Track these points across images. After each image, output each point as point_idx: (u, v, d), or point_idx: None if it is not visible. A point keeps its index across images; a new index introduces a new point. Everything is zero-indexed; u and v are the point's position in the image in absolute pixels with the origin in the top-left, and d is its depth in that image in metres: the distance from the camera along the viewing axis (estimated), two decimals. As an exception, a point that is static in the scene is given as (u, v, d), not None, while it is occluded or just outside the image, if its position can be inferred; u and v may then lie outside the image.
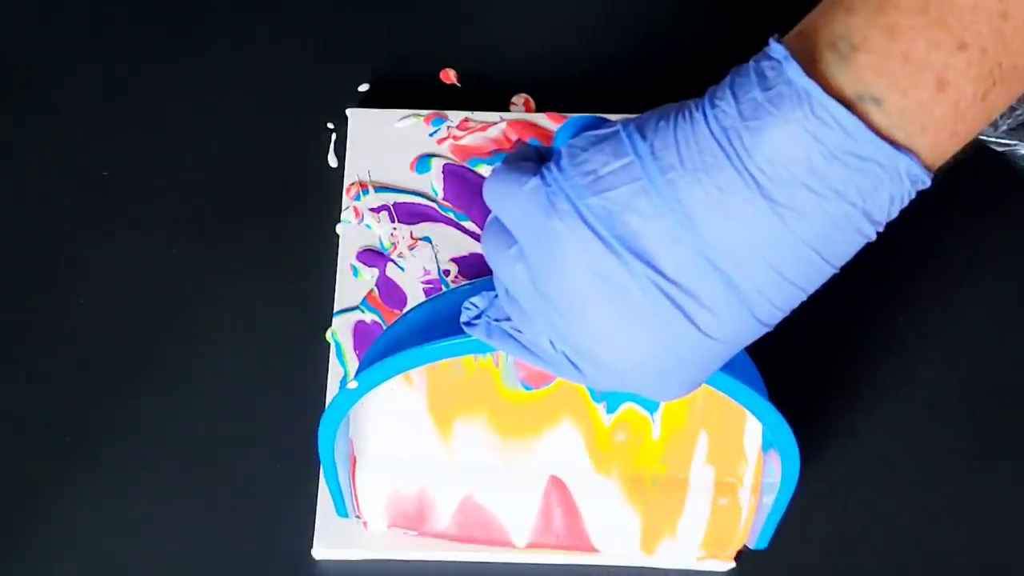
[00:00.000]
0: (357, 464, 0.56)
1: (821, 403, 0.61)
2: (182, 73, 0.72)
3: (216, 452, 0.61)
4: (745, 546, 0.56)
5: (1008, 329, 0.62)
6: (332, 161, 0.68)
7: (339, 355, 0.62)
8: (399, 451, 0.57)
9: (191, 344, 0.64)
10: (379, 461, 0.57)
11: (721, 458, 0.55)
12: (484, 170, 0.67)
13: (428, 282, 0.64)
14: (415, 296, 0.64)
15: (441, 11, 0.74)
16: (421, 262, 0.64)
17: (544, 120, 0.68)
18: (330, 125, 0.69)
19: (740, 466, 0.55)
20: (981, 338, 0.62)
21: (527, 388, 0.54)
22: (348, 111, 0.68)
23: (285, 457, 0.60)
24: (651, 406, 0.55)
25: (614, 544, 0.57)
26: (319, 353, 0.63)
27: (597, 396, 0.55)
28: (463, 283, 0.58)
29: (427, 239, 0.65)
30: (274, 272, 0.66)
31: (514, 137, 0.67)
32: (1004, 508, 0.58)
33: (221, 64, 0.72)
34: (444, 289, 0.63)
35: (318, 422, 0.61)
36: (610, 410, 0.55)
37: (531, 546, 0.57)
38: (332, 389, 0.61)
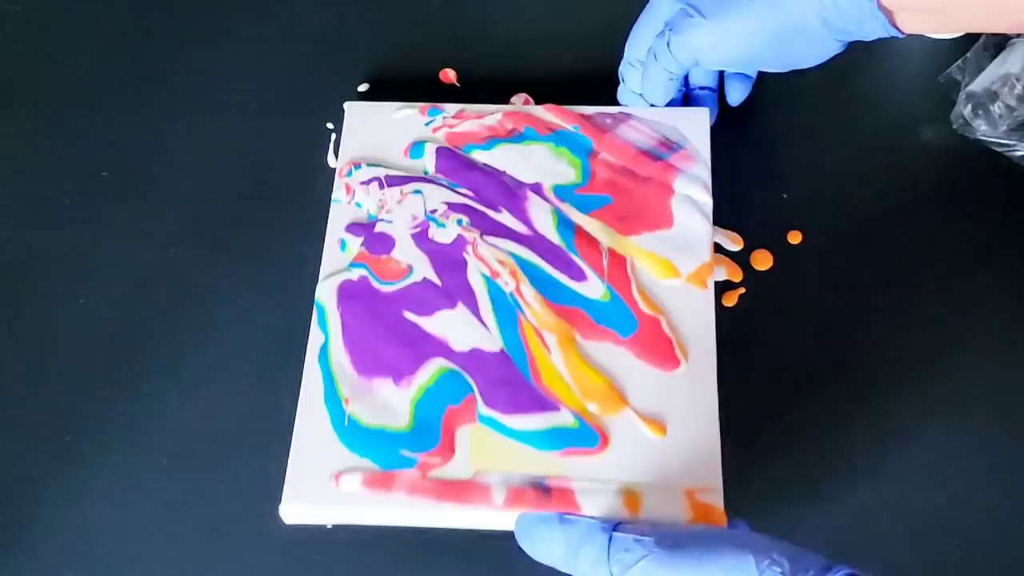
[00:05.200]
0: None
1: (817, 397, 0.61)
2: (182, 74, 0.72)
3: (215, 451, 0.61)
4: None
5: (1011, 327, 0.62)
6: (332, 161, 0.68)
7: (321, 320, 0.60)
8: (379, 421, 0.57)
9: (191, 344, 0.64)
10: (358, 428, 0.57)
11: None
12: (478, 155, 0.65)
13: (417, 226, 0.62)
14: (403, 242, 0.62)
15: (441, 11, 0.74)
16: (410, 211, 0.63)
17: (541, 111, 0.67)
18: (330, 125, 0.69)
19: None
20: (984, 337, 0.62)
21: None
22: (345, 104, 0.68)
23: (283, 453, 0.61)
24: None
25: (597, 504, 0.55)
26: (319, 353, 0.63)
27: None
28: None
29: (417, 191, 0.64)
30: (274, 272, 0.66)
31: (509, 126, 0.66)
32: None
33: (221, 64, 0.72)
34: (434, 227, 0.62)
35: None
36: None
37: (509, 504, 0.55)
38: (312, 355, 0.59)
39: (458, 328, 0.59)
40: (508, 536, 0.53)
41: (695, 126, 0.66)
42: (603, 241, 0.62)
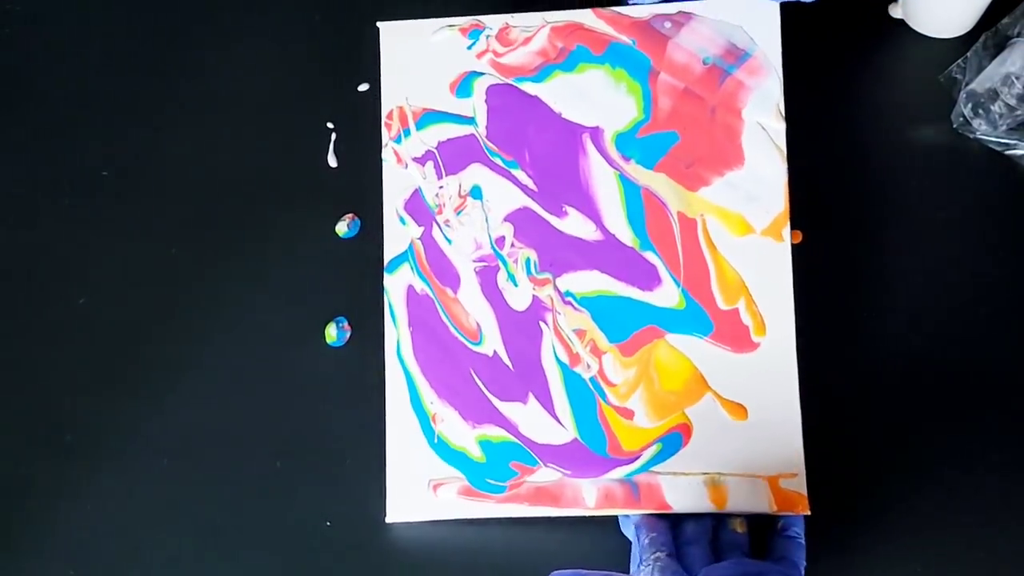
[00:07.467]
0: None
1: (816, 394, 0.61)
2: (182, 73, 0.72)
3: (216, 451, 0.61)
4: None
5: (1011, 328, 0.62)
6: (332, 161, 0.68)
7: (392, 316, 0.60)
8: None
9: (191, 343, 0.64)
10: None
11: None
12: (528, 87, 0.61)
13: (481, 259, 0.60)
14: (468, 280, 0.60)
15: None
16: (471, 232, 0.60)
17: (592, 18, 0.61)
18: (330, 125, 0.69)
19: None
20: (984, 337, 0.62)
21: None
22: (380, 24, 0.64)
23: (283, 454, 0.61)
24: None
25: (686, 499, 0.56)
26: (318, 350, 0.63)
27: None
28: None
29: (476, 192, 0.60)
30: (273, 271, 0.66)
31: (560, 44, 0.61)
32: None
33: (221, 64, 0.72)
34: (499, 265, 0.59)
35: (312, 422, 0.61)
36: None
37: (601, 506, 0.56)
38: (390, 350, 0.60)
39: (529, 421, 0.58)
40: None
41: (763, 23, 0.60)
42: (671, 204, 0.58)
